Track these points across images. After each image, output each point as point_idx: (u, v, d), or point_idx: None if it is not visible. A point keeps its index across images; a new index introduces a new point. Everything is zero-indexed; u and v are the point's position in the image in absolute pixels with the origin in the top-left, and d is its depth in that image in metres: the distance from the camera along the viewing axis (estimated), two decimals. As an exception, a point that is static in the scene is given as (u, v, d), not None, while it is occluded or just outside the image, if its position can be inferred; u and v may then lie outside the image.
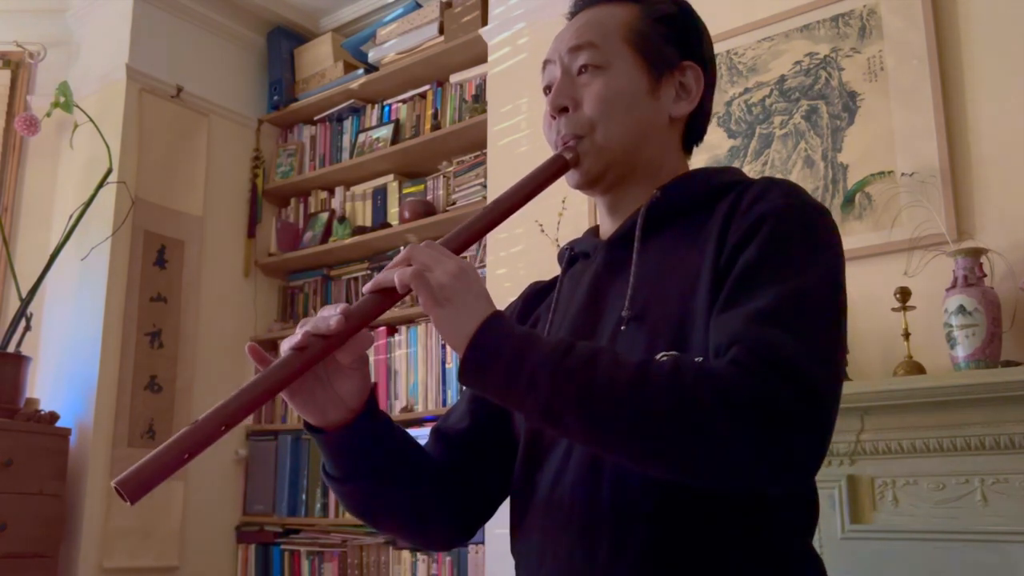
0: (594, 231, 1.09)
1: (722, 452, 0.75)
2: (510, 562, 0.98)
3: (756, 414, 0.73)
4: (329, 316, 0.82)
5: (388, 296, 0.83)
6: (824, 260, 0.85)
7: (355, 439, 0.91)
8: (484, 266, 2.86)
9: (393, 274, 0.82)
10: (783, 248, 0.84)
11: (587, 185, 1.00)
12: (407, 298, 3.15)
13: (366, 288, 0.84)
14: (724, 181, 0.97)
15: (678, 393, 0.75)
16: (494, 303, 0.83)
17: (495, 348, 0.79)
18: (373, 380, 0.93)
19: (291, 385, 0.84)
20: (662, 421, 0.75)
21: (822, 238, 0.87)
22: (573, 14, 1.04)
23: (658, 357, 0.85)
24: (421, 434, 3.10)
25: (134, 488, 0.75)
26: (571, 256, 1.08)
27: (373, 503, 0.97)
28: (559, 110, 0.98)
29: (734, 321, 0.80)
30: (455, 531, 1.03)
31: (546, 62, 1.03)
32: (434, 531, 1.03)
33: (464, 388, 1.11)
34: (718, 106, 2.45)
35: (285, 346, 0.83)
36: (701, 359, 0.83)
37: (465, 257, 2.29)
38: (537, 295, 1.11)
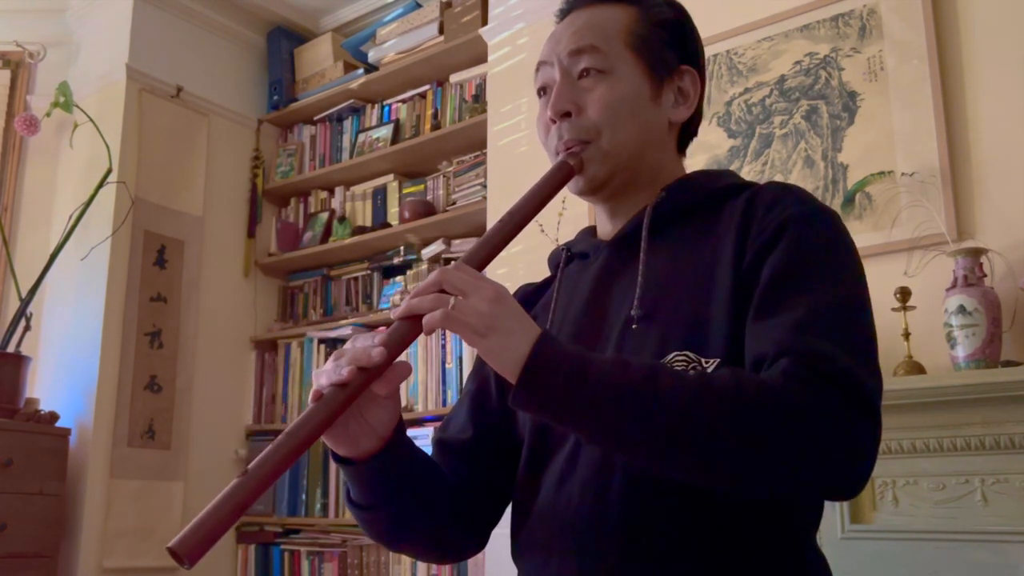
0: (590, 232, 1.08)
1: (790, 466, 0.76)
2: (510, 563, 0.98)
3: (821, 427, 0.75)
4: (369, 348, 0.80)
5: (420, 323, 0.81)
6: (850, 265, 0.87)
7: (386, 468, 0.90)
8: (484, 266, 2.85)
9: (424, 304, 0.80)
10: (811, 255, 0.85)
11: (590, 192, 0.99)
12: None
13: (396, 315, 0.82)
14: (727, 184, 0.98)
15: (744, 408, 0.75)
16: (535, 323, 0.81)
17: (552, 371, 0.78)
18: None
19: None
20: (729, 436, 0.75)
21: (844, 243, 0.89)
22: (565, 13, 1.03)
23: (671, 356, 0.85)
24: (421, 434, 3.09)
25: (191, 550, 0.70)
26: (567, 257, 1.07)
27: (397, 529, 0.96)
28: (561, 115, 0.97)
29: (777, 331, 0.80)
30: (470, 543, 1.03)
31: (541, 63, 1.01)
32: (451, 546, 1.03)
33: (461, 395, 1.10)
34: (718, 106, 2.45)
35: (323, 380, 0.81)
36: (718, 361, 0.84)
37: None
38: (529, 297, 1.10)
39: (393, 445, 0.89)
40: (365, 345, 0.80)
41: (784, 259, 0.85)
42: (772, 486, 0.78)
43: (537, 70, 1.02)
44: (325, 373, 0.81)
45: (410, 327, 0.81)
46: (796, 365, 0.77)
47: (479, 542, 1.03)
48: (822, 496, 0.82)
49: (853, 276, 0.86)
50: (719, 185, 0.98)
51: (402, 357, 0.82)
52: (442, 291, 0.80)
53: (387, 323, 3.24)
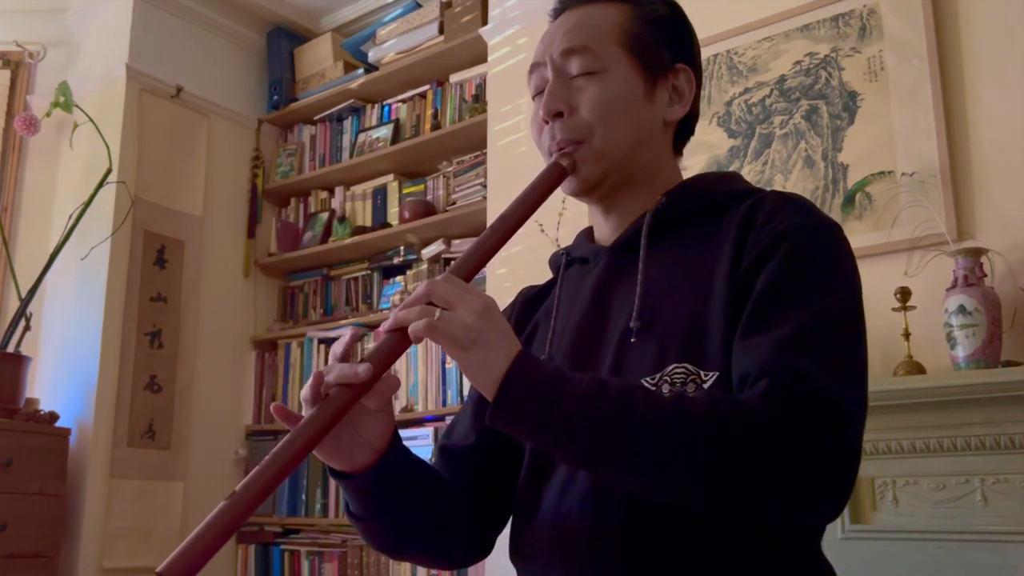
0: (588, 235, 1.07)
1: (763, 490, 0.75)
2: (510, 564, 0.98)
3: (794, 450, 0.74)
4: (355, 365, 0.79)
5: (407, 336, 0.80)
6: (844, 280, 0.86)
7: (382, 480, 0.89)
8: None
9: (410, 316, 0.79)
10: (804, 269, 0.84)
11: (584, 192, 0.98)
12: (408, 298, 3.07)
13: (384, 327, 0.82)
14: (731, 190, 0.96)
15: (718, 433, 0.75)
16: (517, 340, 0.81)
17: (526, 392, 0.77)
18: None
19: None
20: (703, 462, 0.75)
21: (840, 258, 0.87)
22: (559, 12, 1.01)
23: (670, 368, 0.85)
24: (421, 434, 3.08)
25: (180, 574, 0.70)
26: (567, 261, 1.06)
27: (398, 539, 0.95)
28: (553, 115, 0.95)
29: (761, 349, 0.80)
30: (474, 549, 1.02)
31: (535, 65, 1.00)
32: (455, 553, 1.02)
33: (466, 399, 1.09)
34: (718, 106, 2.45)
35: (306, 394, 0.81)
36: (716, 374, 0.83)
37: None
38: (531, 302, 1.09)
39: (388, 457, 0.89)
40: (352, 364, 0.80)
41: (776, 273, 0.84)
42: (748, 508, 0.77)
43: (531, 72, 1.01)
44: (308, 388, 0.81)
45: (397, 340, 0.81)
46: (774, 385, 0.76)
47: (483, 548, 1.03)
48: (799, 518, 0.80)
49: (845, 292, 0.85)
50: (722, 191, 0.96)
51: (403, 358, 0.82)
52: (430, 303, 0.79)
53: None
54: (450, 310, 0.78)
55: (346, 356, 0.84)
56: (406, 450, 0.93)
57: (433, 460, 1.04)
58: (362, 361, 0.80)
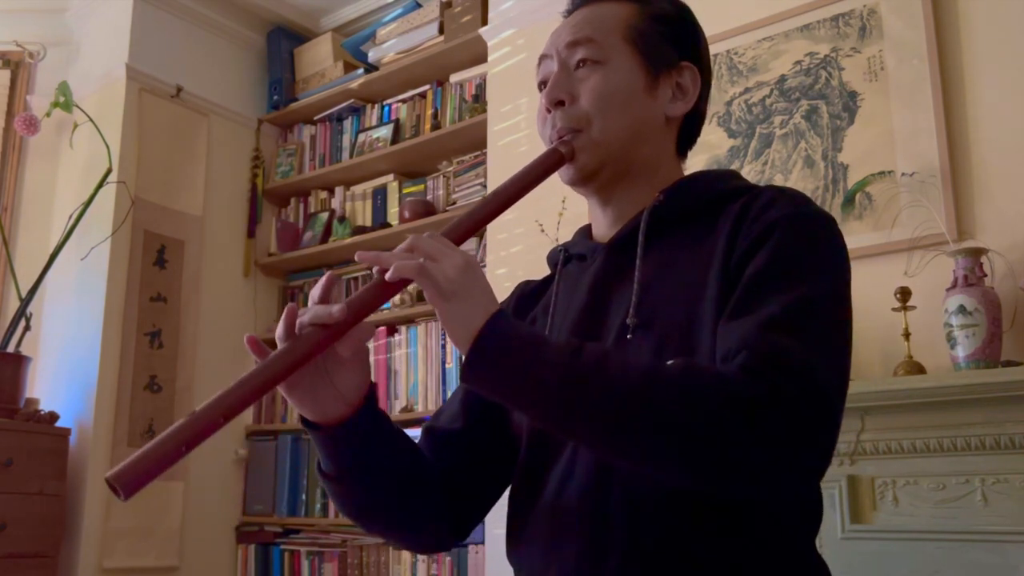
0: (586, 232, 1.07)
1: (733, 457, 0.75)
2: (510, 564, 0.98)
3: (767, 419, 0.74)
4: (331, 305, 0.80)
5: (388, 286, 0.81)
6: (831, 268, 0.86)
7: (353, 436, 0.89)
8: (484, 266, 2.85)
9: (393, 259, 0.79)
10: (791, 256, 0.84)
11: (581, 181, 0.99)
12: (407, 298, 3.07)
13: (360, 256, 0.82)
14: (728, 187, 0.96)
15: (689, 399, 0.75)
16: (496, 299, 0.82)
17: (502, 348, 0.78)
18: (372, 380, 0.91)
19: (290, 378, 0.81)
20: (673, 427, 0.75)
21: (829, 246, 0.87)
22: (570, 12, 1.04)
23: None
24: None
25: (128, 482, 0.71)
26: (565, 257, 1.06)
27: (368, 503, 0.95)
28: (555, 103, 0.97)
29: (743, 328, 0.80)
30: (447, 533, 1.01)
31: (542, 57, 1.02)
32: (426, 533, 1.01)
33: (458, 386, 1.09)
34: (718, 106, 2.45)
35: (279, 332, 0.81)
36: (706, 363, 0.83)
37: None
38: (530, 295, 1.09)
39: (362, 412, 0.88)
40: (327, 306, 0.80)
41: (765, 261, 0.84)
42: (718, 473, 0.76)
43: (539, 64, 1.03)
44: (282, 327, 0.81)
45: (377, 291, 0.81)
46: (752, 359, 0.76)
47: (456, 534, 1.02)
48: (765, 488, 0.79)
49: (832, 276, 0.85)
50: (719, 188, 0.97)
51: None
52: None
53: (387, 323, 3.24)
54: (433, 263, 0.79)
55: (324, 299, 0.84)
56: (383, 413, 0.93)
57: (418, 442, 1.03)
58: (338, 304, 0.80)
